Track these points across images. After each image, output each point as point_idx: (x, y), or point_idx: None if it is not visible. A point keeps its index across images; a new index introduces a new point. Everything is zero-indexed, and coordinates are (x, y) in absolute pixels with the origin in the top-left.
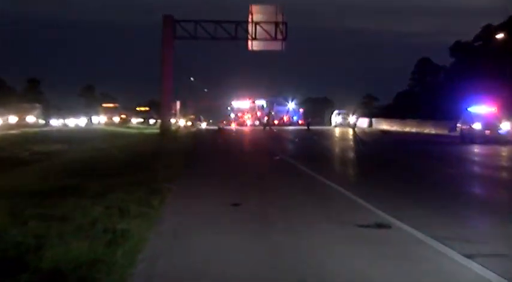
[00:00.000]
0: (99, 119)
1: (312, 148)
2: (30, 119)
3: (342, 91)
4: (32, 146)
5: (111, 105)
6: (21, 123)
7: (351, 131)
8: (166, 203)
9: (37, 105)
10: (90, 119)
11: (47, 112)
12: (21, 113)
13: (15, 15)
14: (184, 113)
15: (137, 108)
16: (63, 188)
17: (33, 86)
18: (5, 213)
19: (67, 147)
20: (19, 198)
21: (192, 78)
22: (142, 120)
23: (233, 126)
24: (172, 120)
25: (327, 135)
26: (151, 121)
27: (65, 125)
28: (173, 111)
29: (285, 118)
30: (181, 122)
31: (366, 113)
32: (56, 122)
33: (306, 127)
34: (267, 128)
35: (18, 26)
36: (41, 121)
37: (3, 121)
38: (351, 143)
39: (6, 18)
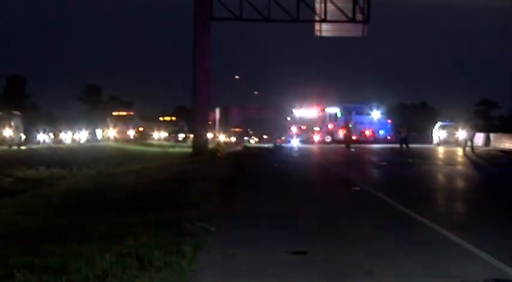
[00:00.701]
0: (109, 133)
1: (406, 176)
2: (7, 132)
3: (447, 95)
4: (14, 170)
5: (123, 113)
6: None
7: (460, 151)
8: (202, 250)
9: (16, 112)
10: (94, 132)
11: (32, 123)
12: None
13: None
14: (225, 125)
15: (161, 118)
16: (59, 228)
17: (16, 86)
18: None
19: (63, 172)
20: (1, 242)
21: (236, 77)
22: (167, 134)
23: (295, 143)
24: (209, 135)
25: (427, 157)
26: (181, 136)
27: (58, 141)
28: (210, 123)
29: (368, 132)
30: (222, 137)
31: (480, 125)
32: (42, 137)
33: (398, 145)
34: (351, 147)
35: None
36: (21, 135)
37: None
38: (461, 168)
39: None
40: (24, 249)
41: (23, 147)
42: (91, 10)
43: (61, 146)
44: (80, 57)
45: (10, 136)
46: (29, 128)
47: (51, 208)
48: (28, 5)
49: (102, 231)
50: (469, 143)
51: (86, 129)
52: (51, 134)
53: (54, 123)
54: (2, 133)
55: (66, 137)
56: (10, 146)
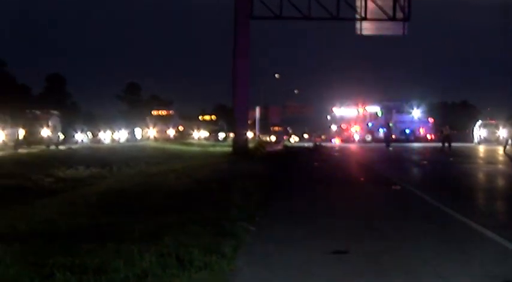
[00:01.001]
0: (148, 132)
1: (446, 174)
2: (44, 132)
3: (490, 93)
4: (54, 170)
5: (163, 112)
6: (30, 138)
7: (501, 150)
8: (242, 250)
9: (54, 112)
10: (133, 131)
11: (71, 122)
12: (32, 124)
13: None
14: (266, 124)
15: (200, 117)
16: (99, 227)
17: (56, 85)
18: (23, 262)
19: (103, 172)
20: (41, 241)
21: (276, 75)
22: (208, 133)
23: (335, 142)
24: (250, 134)
25: (467, 156)
26: (221, 135)
27: (97, 140)
28: (250, 122)
29: (408, 131)
30: (263, 137)
31: None
32: (81, 137)
33: (440, 144)
34: (390, 146)
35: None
36: (60, 135)
37: (9, 136)
38: (501, 167)
39: None
40: (64, 248)
41: (61, 147)
42: (130, 9)
43: (100, 145)
44: (120, 56)
45: (48, 136)
46: (67, 127)
47: (91, 208)
48: (68, 4)
49: (141, 231)
50: (510, 142)
51: (126, 128)
52: (89, 134)
53: (93, 122)
54: (39, 133)
55: (106, 136)
56: (48, 146)
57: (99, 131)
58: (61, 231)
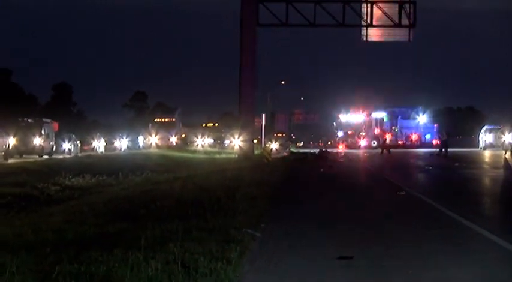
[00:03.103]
0: (151, 139)
1: (450, 179)
2: (37, 141)
3: (496, 98)
4: (60, 178)
5: (166, 119)
6: (22, 148)
7: (505, 155)
8: (248, 256)
9: (47, 120)
10: (136, 139)
11: (71, 131)
12: (24, 133)
13: None
14: (272, 131)
15: (203, 125)
16: (105, 235)
17: (63, 94)
18: (30, 269)
19: (108, 180)
20: (48, 249)
21: (282, 82)
22: (212, 140)
23: (341, 148)
24: (255, 141)
25: (472, 161)
26: (227, 142)
27: (91, 149)
28: (256, 128)
29: (414, 137)
30: (272, 145)
31: None
32: (67, 146)
33: (438, 149)
34: (385, 151)
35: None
36: (53, 144)
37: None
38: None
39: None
40: (71, 256)
41: (60, 157)
42: (138, 19)
43: (92, 154)
44: (128, 66)
45: (40, 145)
46: (57, 137)
47: (97, 215)
48: (75, 15)
49: (148, 238)
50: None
51: (127, 136)
52: (78, 143)
53: (98, 131)
54: (32, 142)
55: (99, 145)
56: (41, 156)
57: (93, 139)
58: (68, 239)
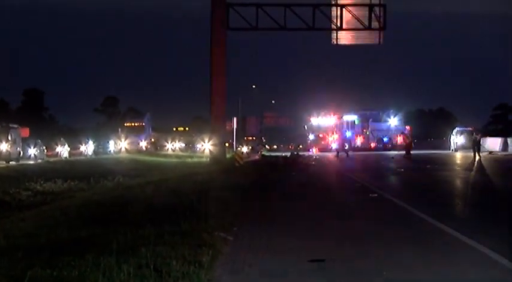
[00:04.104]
0: (120, 144)
1: (419, 181)
2: (3, 146)
3: (466, 100)
4: (32, 183)
5: (135, 123)
6: None
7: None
8: (220, 260)
9: (14, 125)
10: (106, 143)
11: (43, 136)
12: None
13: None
14: (243, 135)
15: (174, 129)
16: (78, 239)
17: (34, 99)
18: (2, 274)
19: (80, 185)
20: (20, 254)
21: (253, 86)
22: (184, 145)
23: (314, 151)
24: (227, 145)
25: (440, 162)
26: (198, 146)
27: (55, 154)
28: (227, 132)
29: (385, 139)
30: (243, 148)
31: (497, 130)
32: (32, 151)
33: (404, 152)
34: (341, 154)
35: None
36: (20, 150)
37: None
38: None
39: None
40: (43, 261)
41: (30, 162)
42: (110, 22)
43: (57, 159)
44: (98, 71)
45: (7, 150)
46: (26, 141)
47: (70, 221)
48: (45, 18)
49: (120, 243)
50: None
51: (95, 141)
52: (43, 148)
53: (67, 135)
54: None
55: (63, 150)
56: (8, 162)
57: (57, 145)
58: (40, 244)
